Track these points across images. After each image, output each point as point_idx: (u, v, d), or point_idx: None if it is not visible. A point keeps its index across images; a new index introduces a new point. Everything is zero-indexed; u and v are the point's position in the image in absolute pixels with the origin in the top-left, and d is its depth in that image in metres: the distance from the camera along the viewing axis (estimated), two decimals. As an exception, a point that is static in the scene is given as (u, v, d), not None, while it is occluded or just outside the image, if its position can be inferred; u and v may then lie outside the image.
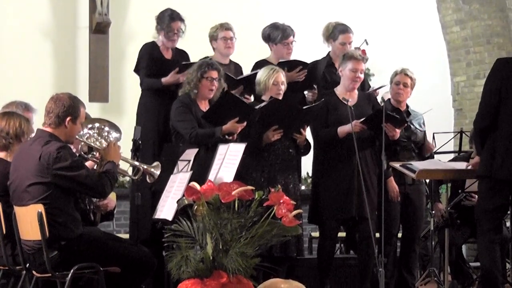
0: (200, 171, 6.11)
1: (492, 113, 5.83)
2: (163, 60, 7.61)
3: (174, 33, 7.57)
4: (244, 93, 7.52)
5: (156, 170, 6.06)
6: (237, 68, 7.85)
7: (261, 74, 7.14)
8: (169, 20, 7.55)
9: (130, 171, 6.17)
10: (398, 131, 7.09)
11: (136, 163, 6.11)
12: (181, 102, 7.01)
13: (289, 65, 7.58)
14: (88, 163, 5.95)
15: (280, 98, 7.08)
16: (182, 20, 7.62)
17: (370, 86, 7.95)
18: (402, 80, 7.43)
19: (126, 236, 7.83)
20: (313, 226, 8.18)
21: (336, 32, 7.78)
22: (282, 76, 7.11)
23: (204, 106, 7.08)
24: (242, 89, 7.47)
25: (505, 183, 5.76)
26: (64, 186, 5.53)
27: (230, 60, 7.83)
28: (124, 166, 6.11)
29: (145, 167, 6.06)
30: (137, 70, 7.78)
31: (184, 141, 6.91)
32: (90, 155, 5.98)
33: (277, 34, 7.77)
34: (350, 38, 7.78)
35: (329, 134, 7.05)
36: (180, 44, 7.84)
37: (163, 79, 7.46)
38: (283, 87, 7.12)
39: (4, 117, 6.11)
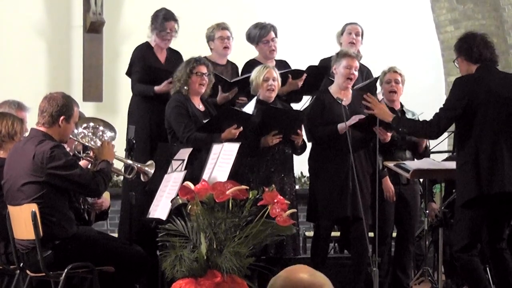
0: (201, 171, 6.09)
1: (447, 128, 5.98)
2: (156, 66, 7.58)
3: (167, 33, 7.55)
4: (238, 95, 7.50)
5: (150, 168, 6.05)
6: (234, 68, 7.83)
7: (253, 73, 7.16)
8: (162, 20, 7.53)
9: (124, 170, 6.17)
10: (389, 134, 7.08)
11: (130, 161, 6.11)
12: (176, 101, 7.00)
13: (288, 74, 7.55)
14: (82, 162, 5.94)
15: (273, 94, 7.09)
16: (175, 20, 7.60)
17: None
18: (393, 78, 7.45)
19: (120, 235, 7.82)
20: (307, 225, 8.19)
21: (344, 26, 7.98)
22: (273, 73, 7.10)
23: (197, 102, 7.08)
24: (237, 91, 7.45)
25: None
26: (58, 185, 5.52)
27: (228, 60, 7.81)
28: (118, 165, 6.11)
29: (139, 165, 6.06)
30: (129, 73, 7.76)
31: (180, 141, 6.91)
32: (84, 154, 5.98)
33: (255, 33, 7.74)
34: (356, 29, 7.93)
35: (330, 131, 7.01)
36: (175, 44, 7.83)
37: (156, 88, 7.42)
38: (276, 83, 7.11)
39: None
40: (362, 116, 6.91)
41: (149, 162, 6.11)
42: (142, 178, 6.09)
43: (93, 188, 5.60)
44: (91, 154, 5.92)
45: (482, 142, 5.80)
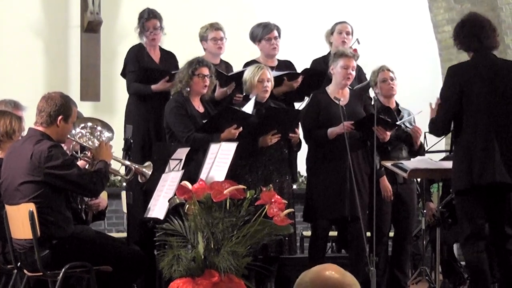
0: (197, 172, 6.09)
1: (450, 121, 5.91)
2: (151, 66, 7.60)
3: (150, 32, 7.61)
4: (235, 92, 7.50)
5: (147, 170, 6.06)
6: (228, 67, 7.83)
7: (247, 73, 7.16)
8: (144, 20, 7.62)
9: (122, 171, 6.17)
10: (388, 133, 7.10)
11: (128, 162, 6.11)
12: (175, 101, 7.00)
13: (284, 77, 7.56)
14: (80, 163, 5.94)
15: (267, 95, 7.10)
16: (157, 17, 7.66)
17: (366, 79, 7.96)
18: (388, 76, 7.43)
19: (118, 235, 7.82)
20: (305, 225, 8.18)
21: (334, 26, 8.00)
22: (267, 73, 7.11)
23: (197, 104, 7.08)
24: (234, 86, 7.45)
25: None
26: (56, 185, 5.52)
27: (221, 60, 7.82)
28: (116, 165, 6.11)
29: (136, 166, 6.06)
30: (123, 74, 7.77)
31: (178, 141, 6.90)
32: (82, 155, 5.98)
33: (258, 31, 7.75)
34: (347, 28, 7.96)
35: (320, 135, 7.05)
36: (172, 44, 7.82)
37: (153, 86, 7.46)
38: (270, 84, 7.12)
39: None
40: (342, 129, 6.90)
41: (146, 164, 6.11)
42: (139, 179, 6.09)
43: (91, 188, 5.60)
44: (89, 154, 5.92)
45: (475, 133, 5.77)
